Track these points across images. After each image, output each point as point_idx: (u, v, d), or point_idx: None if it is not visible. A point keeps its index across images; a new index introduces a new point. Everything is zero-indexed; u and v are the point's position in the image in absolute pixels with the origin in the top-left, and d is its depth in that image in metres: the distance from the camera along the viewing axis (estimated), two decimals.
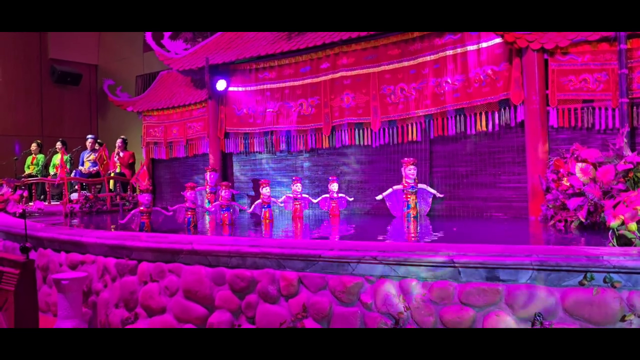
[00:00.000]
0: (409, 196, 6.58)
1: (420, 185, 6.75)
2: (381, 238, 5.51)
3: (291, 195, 7.39)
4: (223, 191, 6.66)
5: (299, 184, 7.30)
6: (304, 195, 7.46)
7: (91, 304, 5.14)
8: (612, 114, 5.83)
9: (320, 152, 8.62)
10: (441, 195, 6.98)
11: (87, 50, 15.75)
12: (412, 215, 6.50)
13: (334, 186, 7.42)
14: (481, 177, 6.97)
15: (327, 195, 7.49)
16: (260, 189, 7.10)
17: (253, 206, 6.97)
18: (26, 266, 3.82)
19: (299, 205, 7.29)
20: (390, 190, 6.93)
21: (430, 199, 6.96)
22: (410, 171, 6.56)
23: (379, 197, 7.03)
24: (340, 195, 7.52)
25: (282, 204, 7.47)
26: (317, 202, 7.58)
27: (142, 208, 6.03)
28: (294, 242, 4.42)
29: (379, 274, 3.69)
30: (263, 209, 6.85)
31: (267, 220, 6.86)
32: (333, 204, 7.45)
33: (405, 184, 6.59)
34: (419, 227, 6.04)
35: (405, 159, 6.68)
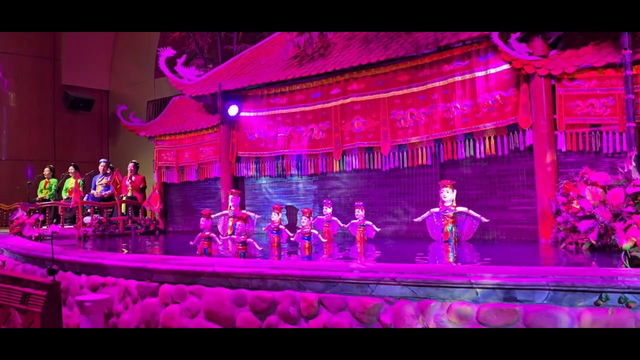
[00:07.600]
0: (445, 219, 6.60)
1: (459, 209, 6.66)
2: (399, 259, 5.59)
3: (323, 217, 7.46)
4: (274, 214, 6.79)
5: (329, 208, 7.39)
6: (333, 218, 7.51)
7: (112, 325, 5.23)
8: (620, 138, 5.98)
9: (330, 176, 8.76)
10: (486, 220, 6.61)
11: (99, 76, 16.11)
12: (453, 240, 6.49)
13: (360, 212, 7.37)
14: (491, 200, 7.10)
15: (356, 221, 7.40)
16: (301, 217, 6.81)
17: (295, 235, 6.69)
18: (52, 288, 3.93)
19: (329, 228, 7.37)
20: (427, 213, 6.86)
21: (477, 223, 6.74)
22: (446, 193, 6.54)
23: (418, 220, 6.97)
24: (367, 223, 7.43)
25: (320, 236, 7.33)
26: (348, 227, 7.51)
27: (207, 233, 6.04)
28: (314, 264, 4.51)
29: (398, 295, 3.80)
30: (303, 240, 6.49)
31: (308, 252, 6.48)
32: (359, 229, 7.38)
33: (441, 207, 6.60)
34: (432, 250, 6.12)
35: (443, 180, 6.69)
